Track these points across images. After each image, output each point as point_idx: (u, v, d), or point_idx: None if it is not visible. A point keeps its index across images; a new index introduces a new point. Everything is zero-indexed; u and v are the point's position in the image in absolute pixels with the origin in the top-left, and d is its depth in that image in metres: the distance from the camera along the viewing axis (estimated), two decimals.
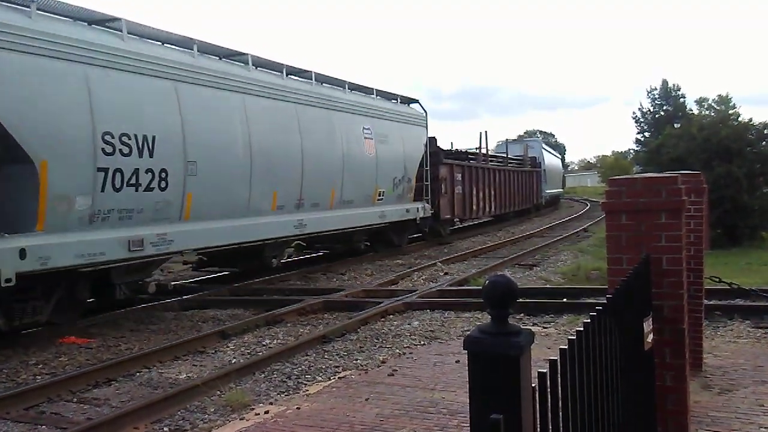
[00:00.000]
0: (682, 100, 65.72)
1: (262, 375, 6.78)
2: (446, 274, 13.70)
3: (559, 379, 1.88)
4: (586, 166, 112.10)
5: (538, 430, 1.69)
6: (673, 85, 67.25)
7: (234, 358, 7.66)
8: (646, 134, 63.23)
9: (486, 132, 28.45)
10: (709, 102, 62.22)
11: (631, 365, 3.02)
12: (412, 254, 18.00)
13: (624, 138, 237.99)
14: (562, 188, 53.30)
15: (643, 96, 77.81)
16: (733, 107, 52.14)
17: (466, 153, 26.11)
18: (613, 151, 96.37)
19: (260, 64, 12.69)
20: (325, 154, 14.05)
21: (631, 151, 71.57)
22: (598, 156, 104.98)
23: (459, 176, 22.58)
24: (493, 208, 26.70)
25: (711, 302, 8.07)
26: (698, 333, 5.61)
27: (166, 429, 5.45)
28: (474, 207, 24.24)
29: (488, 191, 25.84)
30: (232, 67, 11.83)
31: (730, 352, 6.58)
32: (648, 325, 3.41)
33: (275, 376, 6.75)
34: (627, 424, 2.89)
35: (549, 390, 1.80)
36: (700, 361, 5.78)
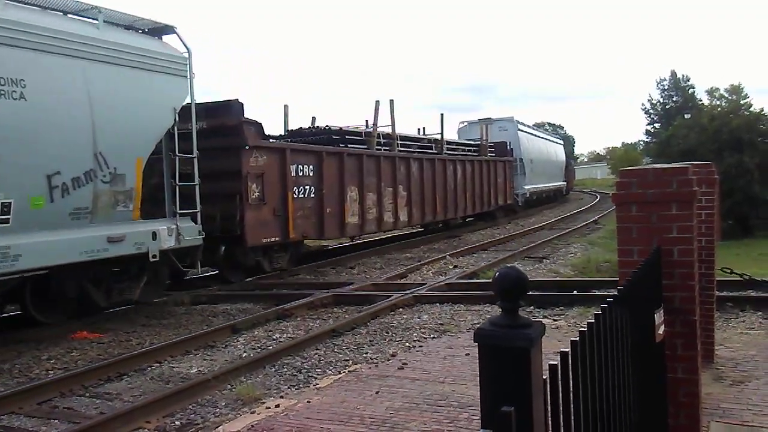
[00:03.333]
0: (691, 90, 65.23)
1: (273, 369, 6.81)
2: (455, 267, 13.69)
3: (570, 371, 1.87)
4: (596, 158, 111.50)
5: (549, 422, 1.68)
6: (683, 75, 66.82)
7: (244, 352, 7.69)
8: (656, 125, 62.83)
9: (392, 101, 18.03)
10: (721, 92, 61.69)
11: (642, 357, 3.00)
12: (421, 248, 17.99)
13: (634, 129, 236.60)
14: (565, 181, 43.54)
15: (653, 87, 77.23)
16: (745, 97, 51.61)
17: (342, 132, 16.38)
18: (622, 143, 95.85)
19: None
20: None
21: (641, 142, 71.18)
22: (608, 148, 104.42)
23: (306, 169, 13.64)
24: (405, 217, 17.89)
25: (722, 293, 8.02)
26: (710, 324, 5.58)
27: (177, 423, 5.47)
28: (351, 219, 15.33)
29: (393, 191, 17.00)
30: None
31: (742, 344, 6.54)
32: (659, 317, 3.39)
33: (285, 370, 6.77)
34: (639, 416, 2.88)
35: (560, 382, 1.79)
36: (711, 352, 5.76)
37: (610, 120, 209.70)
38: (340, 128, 16.61)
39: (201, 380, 6.27)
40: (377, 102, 17.40)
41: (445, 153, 21.19)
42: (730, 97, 52.37)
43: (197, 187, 10.24)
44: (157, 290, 10.65)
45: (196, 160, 10.24)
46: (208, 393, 6.06)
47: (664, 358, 3.53)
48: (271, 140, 13.87)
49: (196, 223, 10.27)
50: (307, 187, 13.84)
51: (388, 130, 18.28)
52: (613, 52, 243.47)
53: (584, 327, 2.09)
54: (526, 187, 30.28)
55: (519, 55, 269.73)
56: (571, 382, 1.88)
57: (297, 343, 7.63)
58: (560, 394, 1.78)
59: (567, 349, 1.88)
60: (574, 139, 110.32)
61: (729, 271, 6.90)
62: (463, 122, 28.50)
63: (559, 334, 7.12)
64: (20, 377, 7.01)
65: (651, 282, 3.31)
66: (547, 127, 70.87)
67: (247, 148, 12.14)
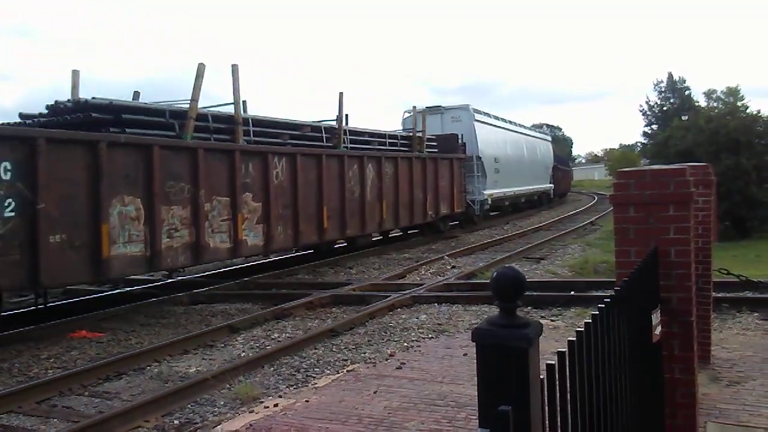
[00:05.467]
0: (688, 92, 65.29)
1: (271, 368, 6.82)
2: (454, 267, 13.70)
3: (568, 371, 1.89)
4: (594, 160, 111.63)
5: (547, 421, 1.69)
6: (679, 77, 66.82)
7: (243, 351, 7.71)
8: (654, 127, 62.89)
9: (235, 66, 11.56)
10: (718, 94, 61.74)
11: (639, 357, 3.02)
12: (419, 248, 17.99)
13: (631, 131, 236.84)
14: (551, 183, 37.72)
15: (650, 89, 77.35)
16: (742, 99, 51.73)
17: (114, 108, 9.89)
18: (620, 144, 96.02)
19: None
20: None
21: (639, 144, 71.24)
22: (606, 149, 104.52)
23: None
24: (259, 239, 11.87)
25: (719, 294, 8.04)
26: (706, 325, 5.60)
27: (176, 422, 5.49)
28: (125, 250, 9.18)
29: (231, 202, 11.15)
30: None
31: (739, 345, 6.56)
32: (656, 318, 3.40)
33: (284, 369, 6.79)
34: (635, 416, 2.90)
35: (557, 381, 1.80)
36: (708, 353, 5.77)
37: (608, 122, 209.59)
38: (111, 102, 9.88)
39: (200, 379, 6.29)
40: (201, 66, 10.72)
41: (346, 147, 15.21)
42: (726, 99, 52.46)
43: None
44: None
45: None
46: (206, 392, 6.08)
47: (661, 358, 3.54)
48: None
49: None
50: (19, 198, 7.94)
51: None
52: (611, 54, 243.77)
53: (582, 327, 2.10)
54: (487, 191, 24.20)
55: (516, 56, 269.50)
56: (568, 381, 1.89)
57: (295, 342, 7.64)
58: (558, 394, 1.79)
59: (564, 349, 1.89)
60: (571, 140, 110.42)
61: (726, 272, 6.94)
62: (409, 111, 21.11)
63: (556, 335, 7.13)
64: (19, 376, 7.02)
65: (648, 283, 3.32)
66: (545, 129, 70.36)
67: None
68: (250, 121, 12.44)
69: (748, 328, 7.44)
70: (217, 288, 11.99)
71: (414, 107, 20.02)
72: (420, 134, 19.31)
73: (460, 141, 22.15)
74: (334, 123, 15.19)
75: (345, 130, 15.35)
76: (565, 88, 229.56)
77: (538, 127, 52.99)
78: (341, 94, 15.02)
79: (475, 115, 24.80)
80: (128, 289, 12.20)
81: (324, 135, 14.72)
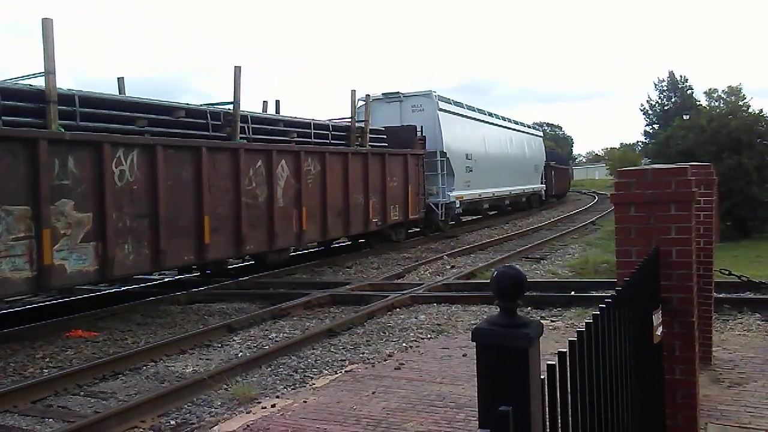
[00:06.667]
0: (690, 91, 65.37)
1: (269, 368, 6.79)
2: (453, 267, 13.67)
3: (568, 371, 1.86)
4: (594, 159, 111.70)
5: (547, 422, 1.66)
6: (681, 76, 66.96)
7: (240, 351, 7.67)
8: (655, 126, 62.94)
9: (47, 21, 8.23)
10: (719, 93, 61.74)
11: (640, 358, 2.99)
12: (418, 248, 17.96)
13: (632, 130, 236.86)
14: (543, 183, 34.28)
15: (651, 88, 77.36)
16: (744, 98, 51.66)
17: None
18: (621, 144, 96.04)
19: None
20: None
21: (640, 143, 71.32)
22: (606, 148, 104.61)
23: None
24: (91, 262, 8.60)
25: (720, 295, 8.01)
26: (708, 326, 5.57)
27: (172, 422, 5.45)
28: None
29: (34, 215, 7.89)
30: None
31: (740, 346, 6.53)
32: (657, 318, 3.37)
33: (282, 369, 6.75)
34: (636, 417, 2.87)
35: (558, 382, 1.78)
36: (709, 354, 5.75)
37: (608, 120, 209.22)
38: None
39: (196, 379, 6.25)
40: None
41: (246, 138, 11.89)
42: (728, 99, 52.42)
43: None
44: None
45: None
46: (203, 392, 6.04)
47: (661, 359, 3.51)
48: None
49: None
50: None
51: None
52: (612, 53, 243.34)
53: (582, 328, 2.08)
54: (456, 193, 20.59)
55: (515, 55, 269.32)
56: (568, 382, 1.86)
57: (293, 342, 7.61)
58: (558, 394, 1.76)
59: (565, 350, 1.86)
60: (572, 139, 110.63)
61: (727, 272, 6.90)
62: (363, 99, 17.18)
63: (556, 335, 7.10)
64: (14, 376, 6.98)
65: (649, 283, 3.29)
66: (545, 127, 70.12)
67: None
68: (77, 99, 8.90)
69: (750, 329, 7.41)
70: (215, 287, 11.95)
71: (353, 91, 15.88)
72: (362, 125, 15.93)
73: (419, 134, 18.74)
74: (230, 108, 11.57)
75: (246, 117, 11.94)
76: (565, 86, 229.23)
77: (538, 125, 51.78)
78: (237, 68, 11.53)
79: (440, 103, 20.96)
80: (124, 287, 12.17)
81: (210, 122, 11.21)
